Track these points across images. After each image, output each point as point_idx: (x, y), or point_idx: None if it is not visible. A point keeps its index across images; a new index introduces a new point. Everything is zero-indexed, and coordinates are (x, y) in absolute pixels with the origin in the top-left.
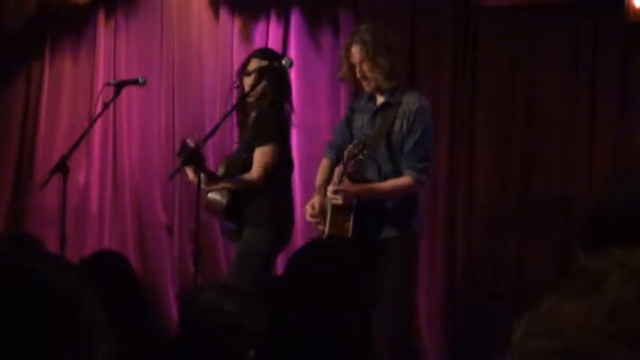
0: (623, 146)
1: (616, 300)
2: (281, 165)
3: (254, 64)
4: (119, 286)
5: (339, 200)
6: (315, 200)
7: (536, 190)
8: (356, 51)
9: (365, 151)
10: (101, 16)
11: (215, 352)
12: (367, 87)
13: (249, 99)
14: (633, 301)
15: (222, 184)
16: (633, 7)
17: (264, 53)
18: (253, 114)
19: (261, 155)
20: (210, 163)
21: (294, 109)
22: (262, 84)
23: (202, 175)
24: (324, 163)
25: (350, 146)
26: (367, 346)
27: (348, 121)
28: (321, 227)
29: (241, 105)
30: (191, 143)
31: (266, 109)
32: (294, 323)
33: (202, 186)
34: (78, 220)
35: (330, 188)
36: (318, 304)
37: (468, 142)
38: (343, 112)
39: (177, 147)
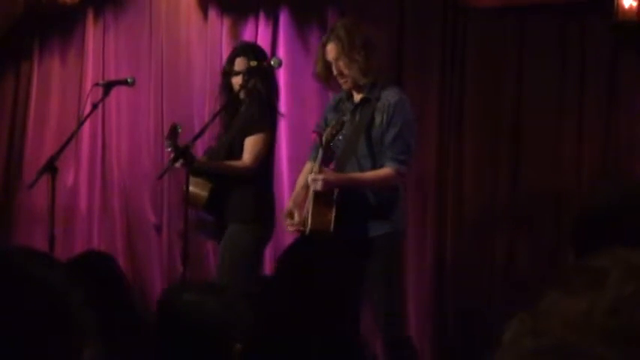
0: (611, 145)
1: (617, 296)
2: (267, 157)
3: (241, 63)
4: (107, 286)
5: (318, 186)
6: (294, 209)
7: (526, 189)
8: (331, 48)
9: (343, 132)
10: (90, 16)
11: (196, 346)
12: (344, 85)
13: (240, 96)
14: (634, 297)
15: (212, 166)
16: (622, 6)
17: (251, 52)
18: (242, 108)
19: (253, 143)
20: None
21: (281, 110)
22: (251, 83)
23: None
24: (307, 166)
25: (328, 129)
26: (355, 344)
27: (325, 121)
28: (301, 227)
29: (230, 106)
30: (179, 128)
31: (256, 102)
32: (283, 320)
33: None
34: (67, 220)
35: (311, 175)
36: (306, 301)
37: (456, 141)
38: None
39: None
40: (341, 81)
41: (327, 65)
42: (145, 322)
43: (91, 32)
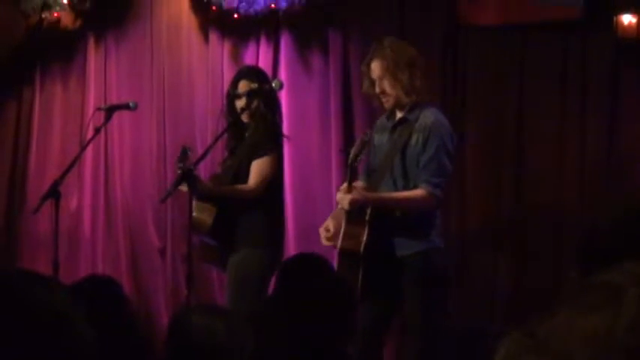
0: (613, 161)
1: (637, 313)
2: (276, 181)
3: (244, 86)
4: (111, 310)
5: (345, 205)
6: (330, 223)
7: (528, 205)
8: (376, 66)
9: (367, 145)
10: (91, 41)
11: None
12: (386, 103)
13: (243, 119)
14: None
15: (217, 190)
16: (622, 23)
17: (254, 74)
18: (248, 132)
19: (259, 166)
20: None
21: (284, 131)
22: (254, 104)
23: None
24: (344, 185)
25: (353, 148)
26: None
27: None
28: (335, 244)
29: (234, 129)
30: (189, 151)
31: (262, 125)
32: (283, 343)
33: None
34: (71, 244)
35: (339, 194)
36: (303, 323)
37: (459, 159)
38: (333, 132)
39: (169, 171)
40: (383, 99)
41: (373, 83)
42: (150, 346)
43: (93, 57)
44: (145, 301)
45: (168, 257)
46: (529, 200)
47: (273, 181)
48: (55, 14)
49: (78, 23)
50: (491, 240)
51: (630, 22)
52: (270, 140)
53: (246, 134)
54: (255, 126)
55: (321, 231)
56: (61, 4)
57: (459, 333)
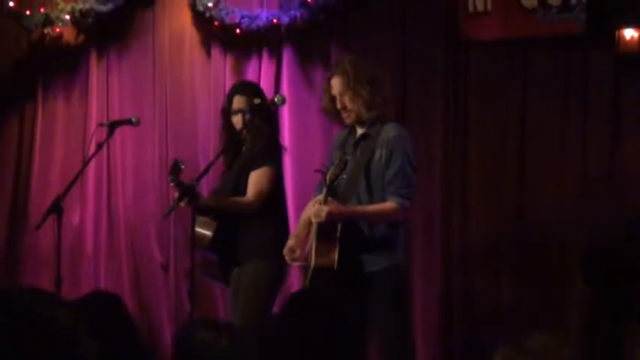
0: (615, 175)
1: None
2: (279, 193)
3: (238, 101)
4: (114, 326)
5: (322, 217)
6: (293, 242)
7: (531, 221)
8: (336, 82)
9: (347, 169)
10: (93, 56)
11: None
12: (347, 118)
13: (242, 135)
14: None
15: (216, 204)
16: (624, 38)
17: (248, 89)
18: (245, 146)
19: (256, 178)
20: None
21: (285, 145)
22: (249, 119)
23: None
24: (310, 205)
25: (332, 167)
26: None
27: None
28: (303, 263)
29: (231, 146)
30: (182, 164)
31: (257, 138)
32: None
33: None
34: (73, 260)
35: (315, 207)
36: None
37: (461, 175)
38: None
39: (172, 187)
40: (344, 115)
41: (333, 99)
42: None
43: (95, 72)
44: (147, 316)
45: (170, 272)
46: (531, 213)
47: (274, 193)
48: (58, 29)
49: (80, 39)
50: (493, 252)
51: (632, 37)
52: (267, 152)
53: (243, 148)
54: (251, 139)
55: (287, 252)
56: (64, 20)
57: (460, 347)
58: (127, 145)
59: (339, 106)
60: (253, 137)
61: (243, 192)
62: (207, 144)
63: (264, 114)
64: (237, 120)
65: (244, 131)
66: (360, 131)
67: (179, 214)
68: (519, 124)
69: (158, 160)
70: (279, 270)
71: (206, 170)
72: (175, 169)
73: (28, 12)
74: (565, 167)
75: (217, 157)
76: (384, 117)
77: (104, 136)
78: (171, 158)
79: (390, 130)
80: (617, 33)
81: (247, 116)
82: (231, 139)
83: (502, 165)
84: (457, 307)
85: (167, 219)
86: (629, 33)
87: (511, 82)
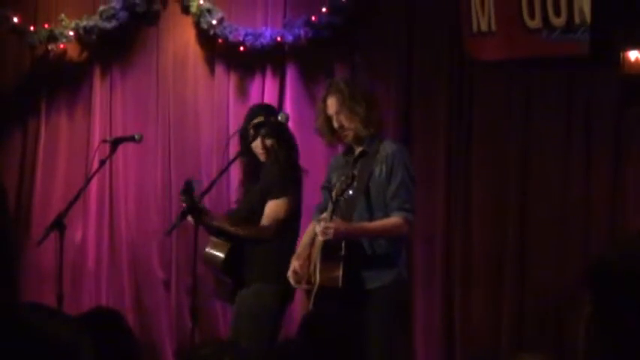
0: (618, 195)
1: None
2: (293, 218)
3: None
4: (116, 342)
5: (329, 235)
6: (296, 265)
7: (534, 239)
8: (332, 101)
9: (354, 185)
10: (97, 73)
11: None
12: (345, 138)
13: (260, 159)
14: None
15: (227, 227)
16: (629, 60)
17: (264, 111)
18: (263, 171)
19: (274, 208)
20: None
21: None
22: (268, 142)
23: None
24: (311, 227)
25: (338, 184)
26: None
27: (329, 182)
28: (308, 287)
29: (248, 169)
30: (195, 183)
31: (276, 165)
32: None
33: (212, 238)
34: (75, 276)
35: (322, 224)
36: None
37: (464, 195)
38: None
39: (174, 204)
40: (342, 134)
41: (328, 119)
42: None
43: (98, 89)
44: (149, 333)
45: (172, 290)
46: (535, 233)
47: (289, 221)
48: (62, 46)
49: (84, 55)
50: (495, 268)
51: (637, 58)
52: (284, 181)
53: (261, 175)
54: (270, 166)
55: (291, 275)
56: (68, 36)
57: None
58: (130, 162)
59: (336, 125)
60: (272, 163)
61: (259, 219)
62: (209, 161)
63: (280, 134)
64: (256, 146)
65: (263, 156)
66: (358, 149)
67: (181, 231)
68: (523, 144)
69: (161, 177)
70: (285, 292)
71: (209, 188)
72: (188, 189)
73: (32, 28)
74: (568, 186)
75: (220, 175)
76: (382, 134)
77: (107, 152)
78: (174, 175)
79: (388, 146)
80: (621, 55)
81: (252, 133)
82: (248, 164)
83: (505, 182)
84: (458, 323)
85: (169, 236)
86: (633, 55)
87: (515, 102)
